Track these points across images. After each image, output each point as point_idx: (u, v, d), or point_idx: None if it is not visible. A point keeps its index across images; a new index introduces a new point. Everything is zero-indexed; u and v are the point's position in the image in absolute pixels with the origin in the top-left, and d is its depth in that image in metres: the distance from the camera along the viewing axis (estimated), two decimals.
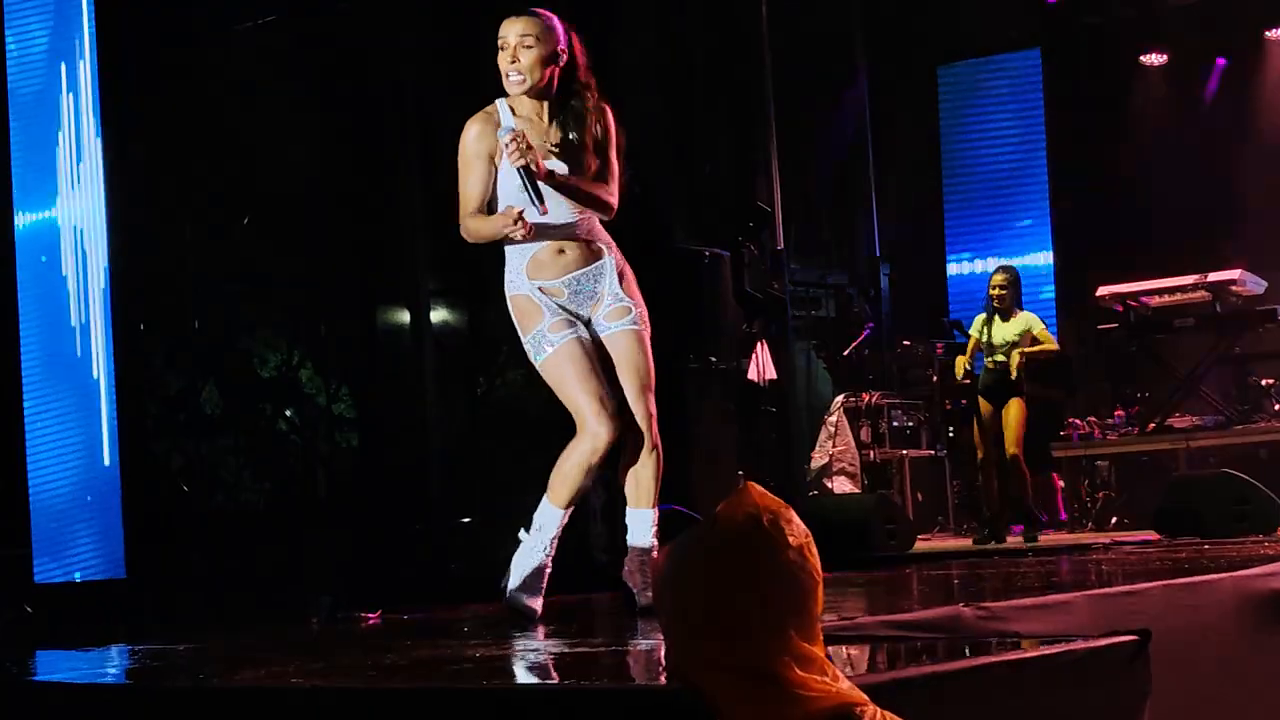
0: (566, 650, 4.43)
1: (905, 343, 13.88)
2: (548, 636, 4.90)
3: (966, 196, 14.90)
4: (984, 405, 10.50)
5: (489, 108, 5.37)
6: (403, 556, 10.29)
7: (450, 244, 9.69)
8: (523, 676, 3.86)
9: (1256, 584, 5.38)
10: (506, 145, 5.18)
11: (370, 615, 6.34)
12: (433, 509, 10.48)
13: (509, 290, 5.43)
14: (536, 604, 5.32)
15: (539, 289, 5.35)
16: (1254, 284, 12.44)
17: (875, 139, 14.44)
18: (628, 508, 5.43)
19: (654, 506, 5.37)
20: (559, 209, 5.31)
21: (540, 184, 5.21)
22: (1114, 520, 12.08)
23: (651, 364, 5.37)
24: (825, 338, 14.03)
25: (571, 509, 5.38)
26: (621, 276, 5.40)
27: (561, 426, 5.39)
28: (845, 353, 13.70)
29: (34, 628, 8.84)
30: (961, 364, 10.72)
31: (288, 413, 11.07)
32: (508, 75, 5.30)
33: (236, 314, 10.84)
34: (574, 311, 5.36)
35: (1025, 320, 10.50)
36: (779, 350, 13.07)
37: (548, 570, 5.38)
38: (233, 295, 10.70)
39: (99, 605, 9.20)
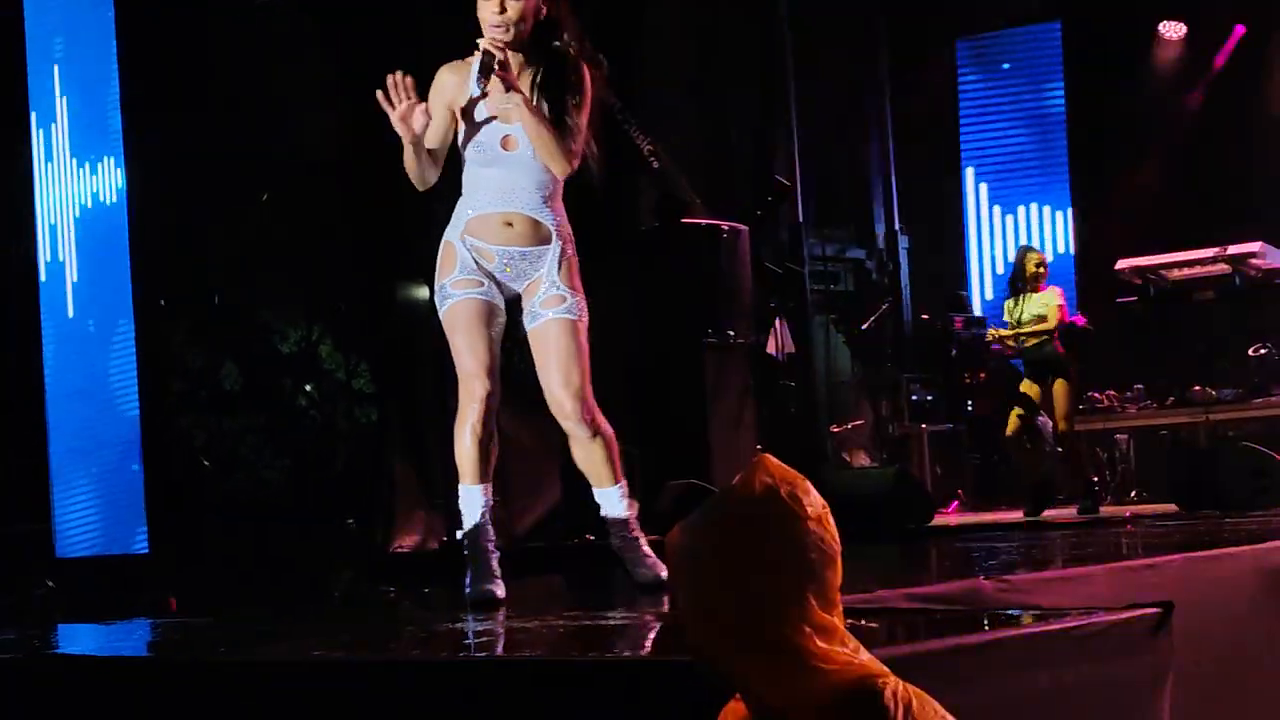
0: (584, 624, 4.43)
1: (924, 316, 13.86)
2: (564, 611, 4.90)
3: (986, 169, 14.85)
4: (1030, 386, 10.42)
5: (466, 59, 5.22)
6: (422, 532, 10.31)
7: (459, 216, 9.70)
8: (541, 649, 3.87)
9: (1277, 557, 5.38)
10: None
11: (390, 589, 6.36)
12: (452, 484, 10.48)
13: (445, 234, 5.31)
14: (497, 588, 5.15)
15: (471, 245, 5.22)
16: (1274, 256, 12.39)
17: (895, 112, 14.40)
18: (593, 489, 5.34)
19: (617, 481, 5.24)
20: (514, 180, 5.17)
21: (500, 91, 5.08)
22: (1133, 494, 12.07)
23: (581, 356, 5.15)
24: (844, 312, 14.00)
25: (488, 483, 5.23)
26: (563, 265, 5.18)
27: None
28: (864, 326, 13.68)
29: (56, 601, 8.87)
30: (993, 333, 10.73)
31: (307, 388, 11.09)
32: (491, 24, 5.15)
33: (256, 290, 10.85)
34: (499, 280, 5.21)
35: (1049, 296, 10.48)
36: (798, 324, 13.06)
37: (492, 551, 5.23)
38: (252, 271, 10.70)
39: (121, 579, 9.23)
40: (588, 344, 5.21)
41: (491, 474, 5.29)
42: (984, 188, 14.86)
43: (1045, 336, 10.33)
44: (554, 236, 5.20)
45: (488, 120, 5.19)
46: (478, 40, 5.19)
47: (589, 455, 5.24)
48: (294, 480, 10.79)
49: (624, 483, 5.30)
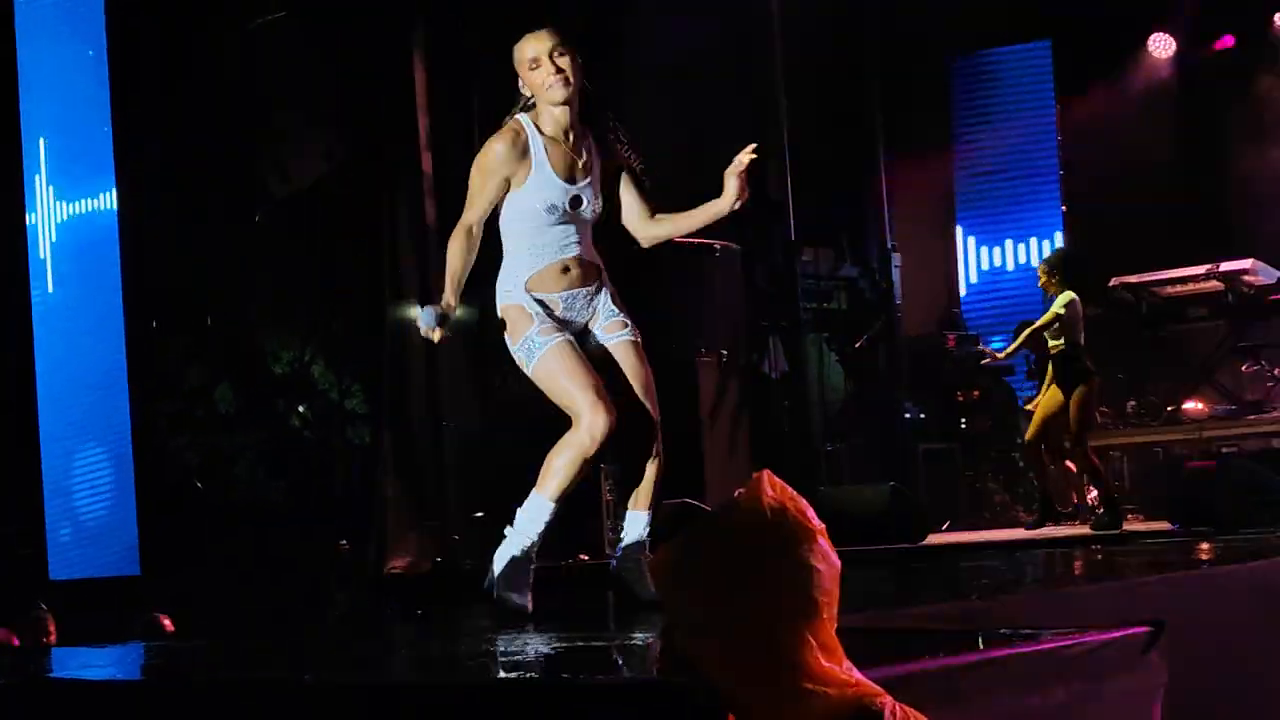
0: (581, 645, 4.43)
1: (918, 335, 13.87)
2: (560, 631, 4.90)
3: (978, 188, 14.87)
4: (1053, 392, 10.37)
5: (514, 124, 5.36)
6: (416, 552, 10.31)
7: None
8: (536, 671, 3.86)
9: (1271, 575, 5.38)
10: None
11: (393, 608, 6.35)
12: (446, 505, 10.49)
13: (501, 300, 5.44)
14: (527, 600, 5.24)
15: (534, 299, 5.38)
16: (1266, 274, 12.43)
17: (888, 130, 14.42)
18: (628, 508, 5.44)
19: (649, 509, 5.42)
20: (576, 233, 5.41)
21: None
22: (1127, 511, 12.06)
23: (652, 376, 5.45)
24: (837, 330, 14.01)
25: (560, 506, 5.32)
26: (614, 296, 5.51)
27: (562, 420, 5.38)
28: (857, 345, 13.69)
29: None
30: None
31: (301, 409, 11.08)
32: (550, 85, 5.29)
33: (249, 311, 10.85)
34: (566, 321, 5.41)
35: (1061, 300, 10.44)
36: (791, 343, 13.07)
37: (533, 565, 5.31)
38: (245, 292, 10.71)
39: (115, 601, 9.22)
40: None
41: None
42: (976, 206, 14.87)
43: (1059, 342, 10.27)
44: (601, 271, 5.50)
45: (553, 179, 5.34)
46: (525, 102, 5.42)
47: (650, 473, 5.42)
48: (287, 501, 10.78)
49: (650, 514, 5.46)
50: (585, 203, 5.38)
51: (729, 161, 5.48)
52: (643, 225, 5.57)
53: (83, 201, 10.10)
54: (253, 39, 10.66)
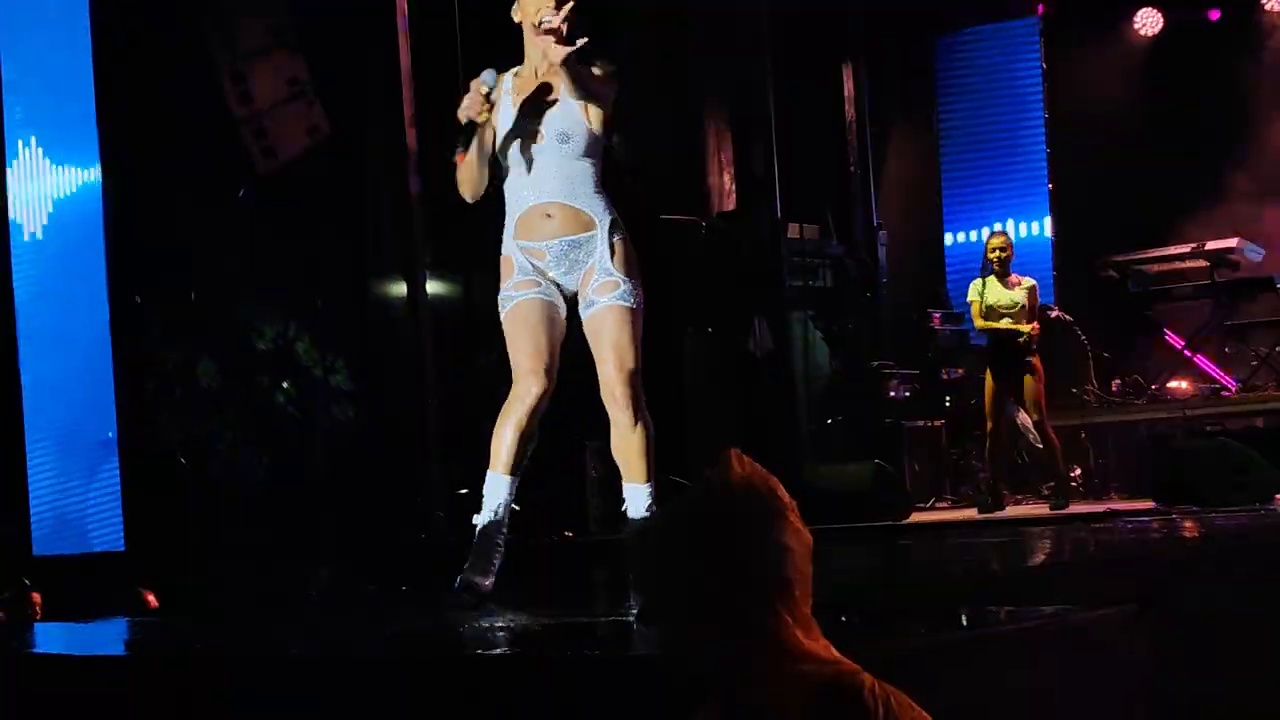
0: (562, 623, 4.43)
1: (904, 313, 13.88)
2: (542, 609, 4.90)
3: (964, 166, 14.87)
4: (994, 372, 10.42)
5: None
6: (400, 529, 10.30)
7: (446, 216, 9.71)
8: (514, 648, 3.86)
9: (1254, 553, 5.39)
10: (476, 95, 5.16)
11: (370, 586, 6.35)
12: (430, 481, 10.48)
13: (502, 251, 5.39)
14: (487, 582, 5.15)
15: (520, 248, 5.30)
16: (1252, 252, 12.45)
17: (873, 108, 14.41)
18: (622, 481, 5.38)
19: (648, 480, 5.25)
20: (544, 172, 5.25)
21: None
22: (1111, 490, 12.09)
23: (634, 343, 5.21)
24: (823, 308, 14.00)
25: (516, 477, 5.25)
26: (615, 251, 5.25)
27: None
28: (843, 323, 13.68)
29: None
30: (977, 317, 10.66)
31: (285, 385, 11.06)
32: (543, 20, 5.18)
33: (232, 286, 10.82)
34: (557, 280, 5.28)
35: (1030, 284, 10.44)
36: (776, 321, 13.06)
37: (499, 546, 5.23)
38: (228, 268, 10.68)
39: (99, 578, 9.20)
40: (640, 332, 5.25)
41: (521, 470, 5.29)
42: (962, 184, 14.87)
43: (1021, 326, 10.29)
44: (597, 222, 5.25)
45: (518, 120, 5.25)
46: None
47: (627, 445, 5.26)
48: (271, 477, 10.77)
49: (653, 485, 5.29)
50: (547, 137, 5.23)
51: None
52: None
53: (66, 176, 10.06)
54: (236, 10, 10.62)
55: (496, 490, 5.27)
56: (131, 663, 4.30)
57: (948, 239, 14.86)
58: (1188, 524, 7.46)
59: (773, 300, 12.98)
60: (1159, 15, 14.37)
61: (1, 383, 10.02)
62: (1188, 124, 13.87)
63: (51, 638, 5.48)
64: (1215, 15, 14.21)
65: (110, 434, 9.80)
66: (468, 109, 5.23)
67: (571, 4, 5.15)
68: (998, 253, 10.53)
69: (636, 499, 5.29)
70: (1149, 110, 14.14)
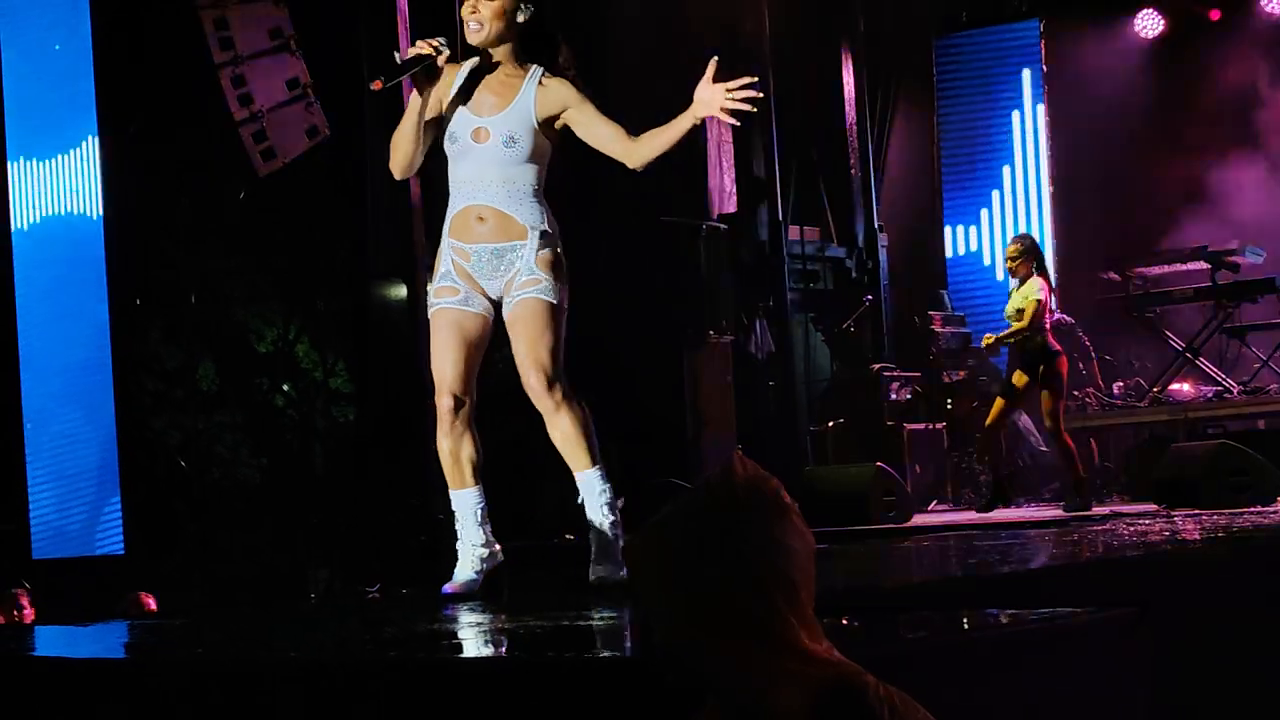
0: (561, 625, 4.41)
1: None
2: (540, 611, 4.88)
3: (964, 169, 14.86)
4: (1018, 377, 10.35)
5: (463, 63, 5.28)
6: (400, 531, 10.29)
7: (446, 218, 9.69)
8: (513, 650, 3.85)
9: (1257, 555, 5.38)
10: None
11: (370, 589, 6.34)
12: (429, 483, 10.47)
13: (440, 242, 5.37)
14: (464, 586, 5.23)
15: (451, 246, 5.24)
16: (1253, 254, 12.44)
17: (873, 110, 14.40)
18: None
19: (593, 463, 5.19)
20: (483, 173, 5.17)
21: (402, 76, 5.15)
22: (1113, 492, 12.07)
23: (551, 332, 5.11)
24: (824, 310, 14.01)
25: (474, 487, 5.28)
26: (539, 256, 5.14)
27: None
28: (844, 325, 13.69)
29: (33, 603, 8.83)
30: (987, 339, 10.58)
31: (284, 388, 11.06)
32: (467, 24, 5.21)
33: (232, 289, 10.82)
34: (478, 282, 5.21)
35: (1027, 289, 10.41)
36: (778, 323, 13.06)
37: (478, 549, 5.29)
38: (228, 271, 10.68)
39: (98, 581, 9.20)
40: (562, 328, 5.18)
41: (474, 478, 5.31)
42: (962, 187, 14.86)
43: (1027, 329, 10.24)
44: (529, 233, 5.17)
45: (463, 111, 5.20)
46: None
47: (559, 434, 5.20)
48: (271, 479, 10.76)
49: (602, 470, 5.24)
50: (491, 138, 5.15)
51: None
52: (624, 147, 5.24)
53: (66, 179, 10.06)
54: (237, 13, 10.61)
55: (457, 506, 5.35)
56: (130, 667, 4.28)
57: (948, 242, 14.85)
58: (1189, 526, 7.44)
59: (774, 303, 12.98)
60: (1159, 17, 14.36)
61: (1, 385, 10.02)
62: (1188, 126, 13.86)
63: (49, 640, 5.46)
64: (1216, 15, 14.20)
65: (111, 467, 9.78)
66: (416, 47, 5.17)
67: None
68: (1007, 261, 10.54)
69: (587, 487, 5.24)
70: (1149, 112, 14.13)
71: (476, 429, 5.32)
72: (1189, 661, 4.30)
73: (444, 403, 5.24)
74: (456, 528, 5.35)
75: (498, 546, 5.40)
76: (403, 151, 5.28)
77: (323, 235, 11.00)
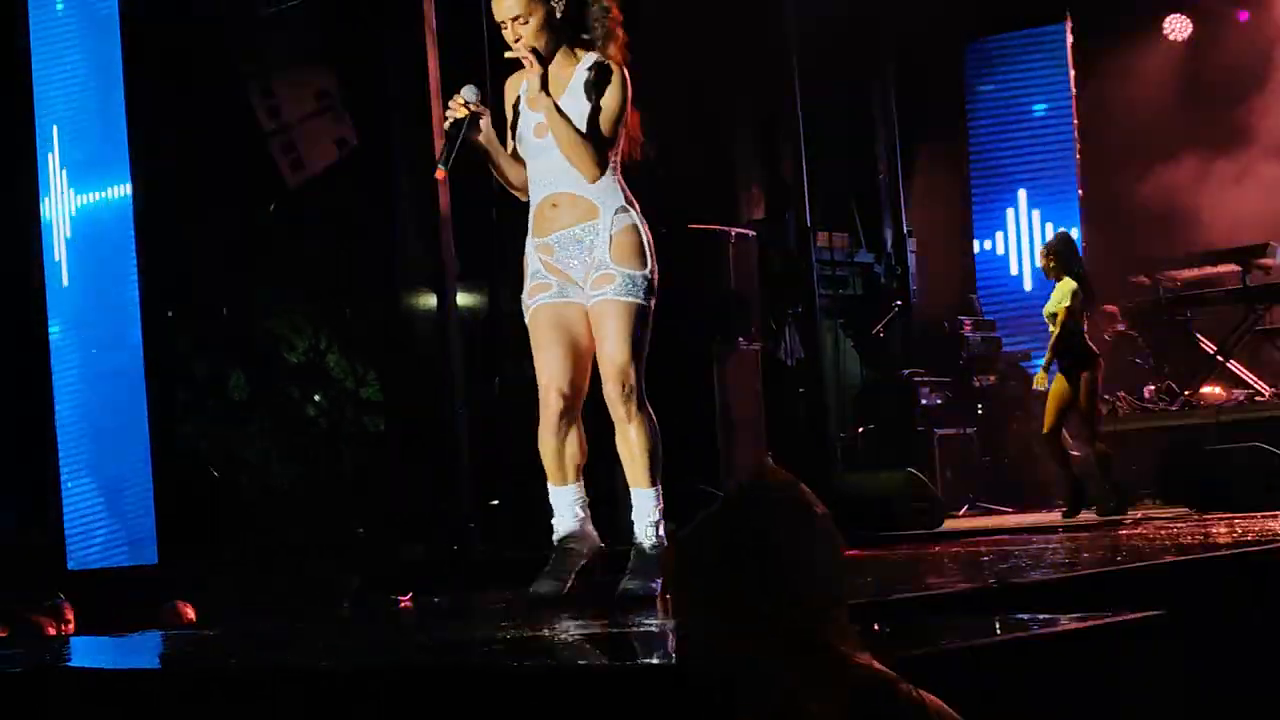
0: (595, 632, 4.43)
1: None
2: (579, 619, 4.89)
3: (993, 172, 14.82)
4: (1058, 380, 10.31)
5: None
6: (430, 540, 10.32)
7: (475, 227, 9.72)
8: (551, 657, 3.86)
9: None
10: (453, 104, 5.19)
11: (402, 598, 6.36)
12: (461, 492, 10.50)
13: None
14: (552, 587, 5.19)
15: (535, 246, 5.29)
16: None
17: (902, 115, 14.38)
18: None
19: (651, 484, 5.19)
20: (551, 164, 5.22)
21: (457, 147, 5.19)
22: (1144, 495, 12.03)
23: (627, 337, 5.11)
24: (853, 316, 13.99)
25: (574, 484, 5.27)
26: (614, 242, 5.16)
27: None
28: (874, 331, 13.67)
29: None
30: (1039, 380, 10.49)
31: (315, 397, 11.09)
32: (516, 50, 5.27)
33: (263, 299, 10.86)
34: (567, 273, 5.24)
35: (1058, 292, 10.35)
36: (807, 329, 13.05)
37: (571, 552, 5.28)
38: (259, 281, 10.72)
39: (132, 591, 9.23)
40: (641, 329, 5.15)
41: (575, 475, 5.30)
42: (992, 191, 14.82)
43: (1060, 338, 10.19)
44: (600, 210, 5.19)
45: (525, 112, 5.29)
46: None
47: (624, 446, 5.22)
48: (302, 489, 10.79)
49: (657, 492, 5.21)
50: (547, 133, 5.19)
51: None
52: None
53: (97, 191, 10.11)
54: (263, 29, 10.66)
55: (556, 502, 5.32)
56: (164, 676, 4.31)
57: (977, 246, 14.81)
58: (1221, 530, 7.43)
59: (803, 309, 12.97)
60: (1188, 20, 14.32)
61: (34, 396, 10.07)
62: (1218, 127, 13.82)
63: (88, 651, 5.50)
64: (1244, 16, 14.16)
65: (144, 477, 9.79)
66: (449, 112, 5.23)
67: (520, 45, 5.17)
68: (1040, 261, 10.54)
69: (639, 505, 5.24)
70: (1179, 114, 14.08)
71: (583, 426, 5.30)
72: (1221, 665, 4.30)
73: (548, 402, 5.20)
74: (553, 523, 5.33)
75: (598, 541, 5.38)
76: (511, 183, 5.39)
77: (352, 245, 11.03)
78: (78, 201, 10.13)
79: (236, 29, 10.63)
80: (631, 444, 5.18)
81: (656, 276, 5.21)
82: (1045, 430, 10.37)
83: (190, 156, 10.26)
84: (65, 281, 10.17)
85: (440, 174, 5.27)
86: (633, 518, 5.28)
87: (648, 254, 5.20)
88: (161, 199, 10.05)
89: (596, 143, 5.17)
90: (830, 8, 13.21)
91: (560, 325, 5.23)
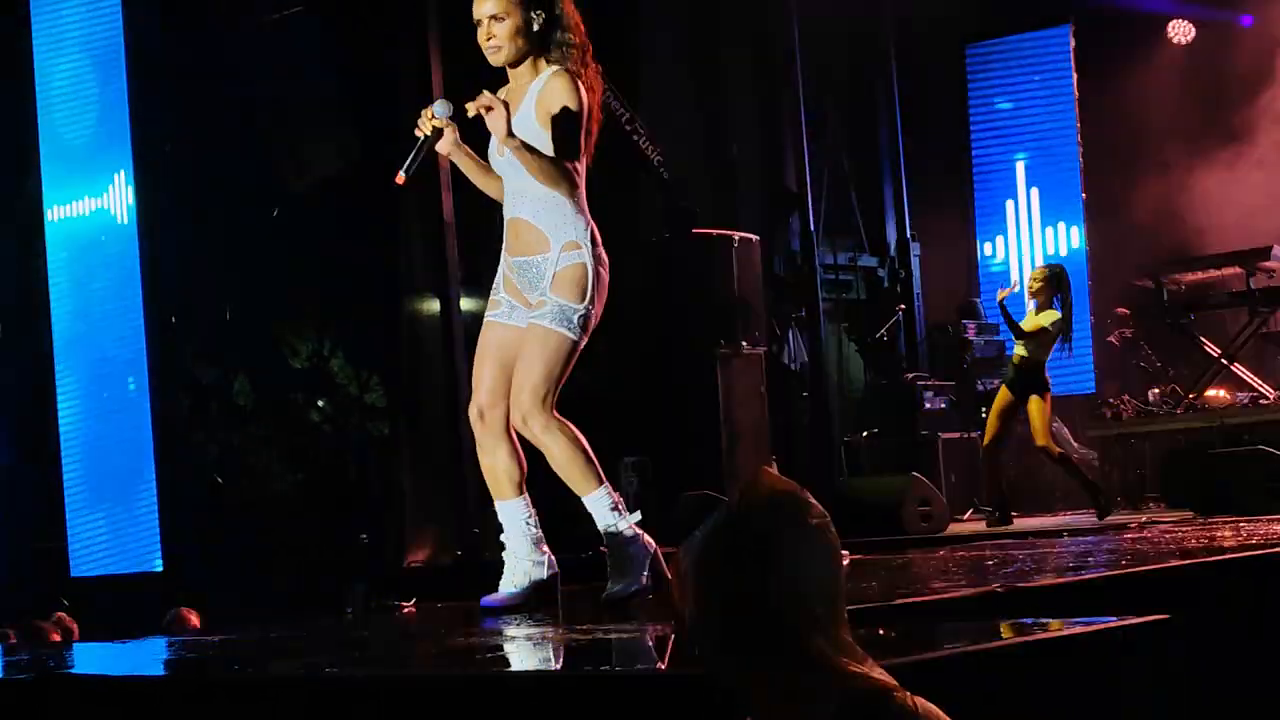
0: (599, 638, 4.42)
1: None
2: (580, 624, 4.90)
3: (996, 177, 14.81)
4: (1003, 393, 10.46)
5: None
6: (434, 545, 10.32)
7: (478, 233, 9.72)
8: (554, 663, 3.86)
9: None
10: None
11: (406, 604, 6.35)
12: (465, 498, 10.50)
13: None
14: (504, 599, 5.24)
15: (504, 262, 5.33)
16: None
17: (904, 118, 14.38)
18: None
19: (597, 485, 5.17)
20: (509, 185, 5.24)
21: (420, 158, 5.23)
22: (1148, 499, 12.03)
23: (542, 364, 5.08)
24: (857, 320, 13.99)
25: (515, 498, 5.28)
26: (557, 278, 5.12)
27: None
28: (877, 335, 13.67)
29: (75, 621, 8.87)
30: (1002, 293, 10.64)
31: (319, 403, 11.09)
32: (486, 50, 5.28)
33: (267, 305, 10.86)
34: (524, 295, 5.25)
35: (1041, 317, 10.37)
36: (811, 333, 13.05)
37: (522, 565, 5.29)
38: (263, 287, 10.72)
39: (136, 597, 9.24)
40: (559, 359, 5.11)
41: (514, 490, 5.33)
42: (994, 194, 14.81)
43: (1028, 342, 10.29)
44: (551, 245, 5.16)
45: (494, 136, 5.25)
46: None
47: (552, 463, 5.23)
48: (306, 495, 10.79)
49: (605, 489, 5.22)
50: (507, 151, 5.12)
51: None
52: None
53: (100, 197, 10.12)
54: (268, 35, 10.66)
55: (500, 516, 5.37)
56: (167, 683, 4.31)
57: (980, 250, 14.80)
58: (1225, 533, 7.42)
59: (807, 313, 12.98)
60: (1190, 24, 14.32)
61: (38, 403, 10.08)
62: (1221, 130, 13.81)
63: (92, 658, 5.50)
64: (1248, 21, 14.16)
65: (148, 483, 9.81)
66: (418, 125, 5.28)
67: (482, 98, 5.13)
68: (1030, 283, 10.61)
69: (594, 510, 5.24)
70: (1182, 118, 14.08)
71: (515, 440, 5.30)
72: (1227, 669, 4.29)
73: (471, 413, 5.30)
74: (502, 539, 5.35)
75: (551, 558, 5.38)
76: (490, 194, 5.40)
77: (356, 250, 11.03)
78: (82, 207, 10.14)
79: (240, 34, 10.63)
80: (555, 459, 5.19)
81: (595, 314, 5.17)
82: (985, 443, 10.53)
83: (193, 160, 10.26)
84: (68, 287, 10.18)
85: (400, 178, 5.28)
86: (599, 525, 5.27)
87: (589, 290, 5.14)
88: (165, 204, 10.06)
89: (560, 161, 5.11)
90: (833, 10, 13.23)
91: (500, 344, 5.29)
